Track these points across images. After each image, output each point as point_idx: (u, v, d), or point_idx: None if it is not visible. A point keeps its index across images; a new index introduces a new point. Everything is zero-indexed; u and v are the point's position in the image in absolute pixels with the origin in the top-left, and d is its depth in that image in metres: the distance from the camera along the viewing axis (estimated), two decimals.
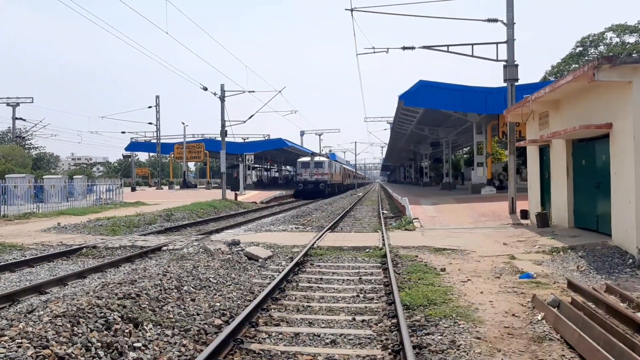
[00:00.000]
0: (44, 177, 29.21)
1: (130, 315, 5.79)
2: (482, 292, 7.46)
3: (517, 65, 18.07)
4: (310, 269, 9.78)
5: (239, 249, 11.40)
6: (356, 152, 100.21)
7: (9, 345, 4.55)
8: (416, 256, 10.73)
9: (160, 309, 6.40)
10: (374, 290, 8.01)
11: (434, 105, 28.47)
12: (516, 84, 18.40)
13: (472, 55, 18.88)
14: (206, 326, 6.03)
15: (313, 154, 50.79)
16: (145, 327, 5.72)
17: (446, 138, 43.18)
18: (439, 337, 5.51)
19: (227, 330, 5.54)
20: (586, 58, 43.57)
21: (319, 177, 46.20)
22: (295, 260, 9.98)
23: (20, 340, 4.67)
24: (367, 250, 11.79)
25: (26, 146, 61.48)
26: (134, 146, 65.11)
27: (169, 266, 8.85)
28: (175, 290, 7.27)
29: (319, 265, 10.18)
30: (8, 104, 52.67)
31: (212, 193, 39.40)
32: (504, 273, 8.86)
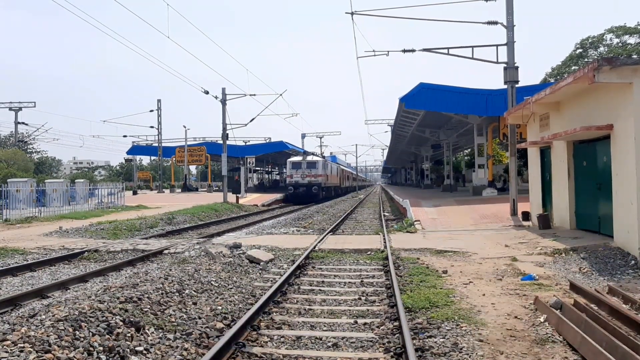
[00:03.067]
0: (45, 181, 29.24)
1: (132, 319, 5.78)
2: (484, 295, 7.45)
3: (517, 67, 18.07)
4: (311, 272, 9.78)
5: (241, 252, 11.40)
6: (357, 155, 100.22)
7: (11, 350, 4.55)
8: (418, 258, 10.72)
9: (162, 313, 6.40)
10: (376, 293, 8.00)
11: (435, 107, 28.50)
12: (516, 85, 18.40)
13: (473, 58, 18.90)
14: (208, 330, 6.02)
15: (305, 153, 45.09)
16: (147, 331, 5.72)
17: (447, 140, 43.19)
18: (442, 340, 5.50)
19: (229, 333, 5.53)
20: (586, 60, 43.58)
21: (312, 179, 41.06)
22: (296, 263, 9.98)
23: (22, 345, 4.67)
24: (368, 252, 11.78)
25: (28, 150, 61.60)
26: (135, 150, 65.18)
27: (170, 270, 8.85)
28: (177, 294, 7.27)
29: (321, 268, 10.17)
30: (10, 109, 52.76)
31: (213, 196, 39.42)
32: (506, 275, 8.85)
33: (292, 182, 41.59)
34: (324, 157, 50.54)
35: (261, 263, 10.54)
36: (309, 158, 43.01)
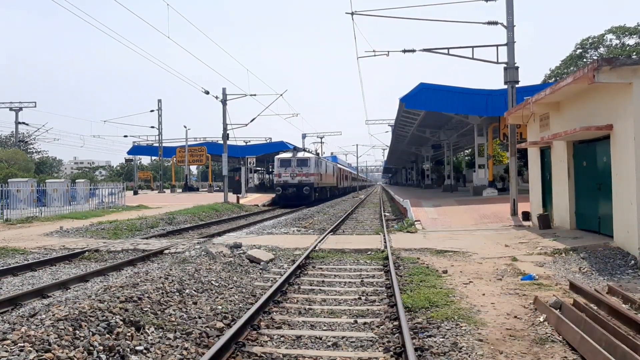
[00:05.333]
0: (46, 181, 29.25)
1: (132, 319, 5.79)
2: (484, 294, 7.46)
3: (517, 68, 18.08)
4: (312, 272, 9.79)
5: (241, 252, 11.41)
6: (357, 155, 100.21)
7: (11, 349, 4.57)
8: (418, 258, 10.73)
9: (162, 312, 6.41)
10: (376, 292, 8.00)
11: (435, 107, 28.51)
12: (517, 86, 18.40)
13: (473, 58, 18.88)
14: (208, 329, 6.03)
15: (295, 149, 39.67)
16: (147, 330, 5.72)
17: (447, 140, 43.19)
18: (441, 339, 5.51)
19: (229, 333, 5.54)
20: (585, 60, 43.61)
21: (303, 178, 36.28)
22: (297, 263, 9.99)
23: (22, 344, 4.68)
24: (368, 252, 11.79)
25: (29, 150, 61.69)
26: (136, 150, 65.28)
27: (170, 269, 8.86)
28: (177, 294, 7.28)
29: (321, 268, 10.18)
30: (11, 109, 52.75)
31: (214, 196, 39.46)
32: (506, 275, 8.85)
33: (280, 182, 36.72)
34: (317, 154, 43.65)
35: (261, 263, 10.55)
36: (300, 154, 37.90)
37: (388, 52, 20.61)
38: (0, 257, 11.98)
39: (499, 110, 24.33)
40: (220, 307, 7.07)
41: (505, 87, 18.53)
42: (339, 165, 59.33)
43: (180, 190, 56.39)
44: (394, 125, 46.70)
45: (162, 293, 7.08)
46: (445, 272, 9.14)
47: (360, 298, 7.65)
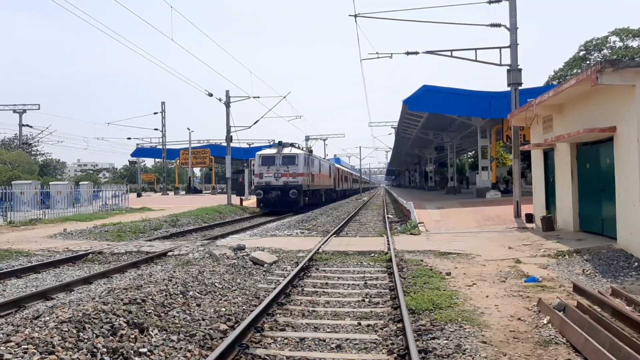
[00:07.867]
0: (50, 183, 29.43)
1: (136, 321, 5.81)
2: (487, 296, 7.45)
3: (520, 70, 18.08)
4: (315, 274, 9.79)
5: (245, 254, 11.42)
6: (361, 157, 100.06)
7: (15, 351, 4.58)
8: (421, 260, 10.72)
9: (166, 314, 6.42)
10: (380, 294, 8.00)
11: (438, 109, 28.50)
12: (520, 88, 18.40)
13: (476, 60, 18.88)
14: (212, 331, 6.04)
15: (281, 144, 31.86)
16: (150, 332, 5.74)
17: (450, 142, 43.16)
18: (445, 342, 5.50)
19: (232, 335, 5.55)
20: (588, 62, 43.54)
21: (290, 179, 29.74)
22: (300, 265, 9.99)
23: (26, 346, 4.69)
24: (372, 254, 11.78)
25: (33, 153, 61.97)
26: (139, 152, 65.53)
27: (174, 271, 8.88)
28: (181, 296, 7.30)
29: (325, 270, 10.18)
30: (15, 111, 53.03)
31: (217, 198, 39.52)
32: (510, 277, 8.84)
33: (262, 184, 30.12)
34: (310, 150, 36.09)
35: (265, 265, 10.56)
36: (286, 150, 30.91)
37: (391, 54, 20.68)
38: (4, 259, 12.02)
39: (502, 112, 24.30)
40: (223, 309, 7.07)
41: (509, 89, 18.54)
42: (337, 165, 53.87)
43: (184, 192, 56.56)
44: (397, 128, 46.61)
45: (166, 295, 7.10)
46: (448, 274, 9.13)
47: (363, 300, 7.65)
